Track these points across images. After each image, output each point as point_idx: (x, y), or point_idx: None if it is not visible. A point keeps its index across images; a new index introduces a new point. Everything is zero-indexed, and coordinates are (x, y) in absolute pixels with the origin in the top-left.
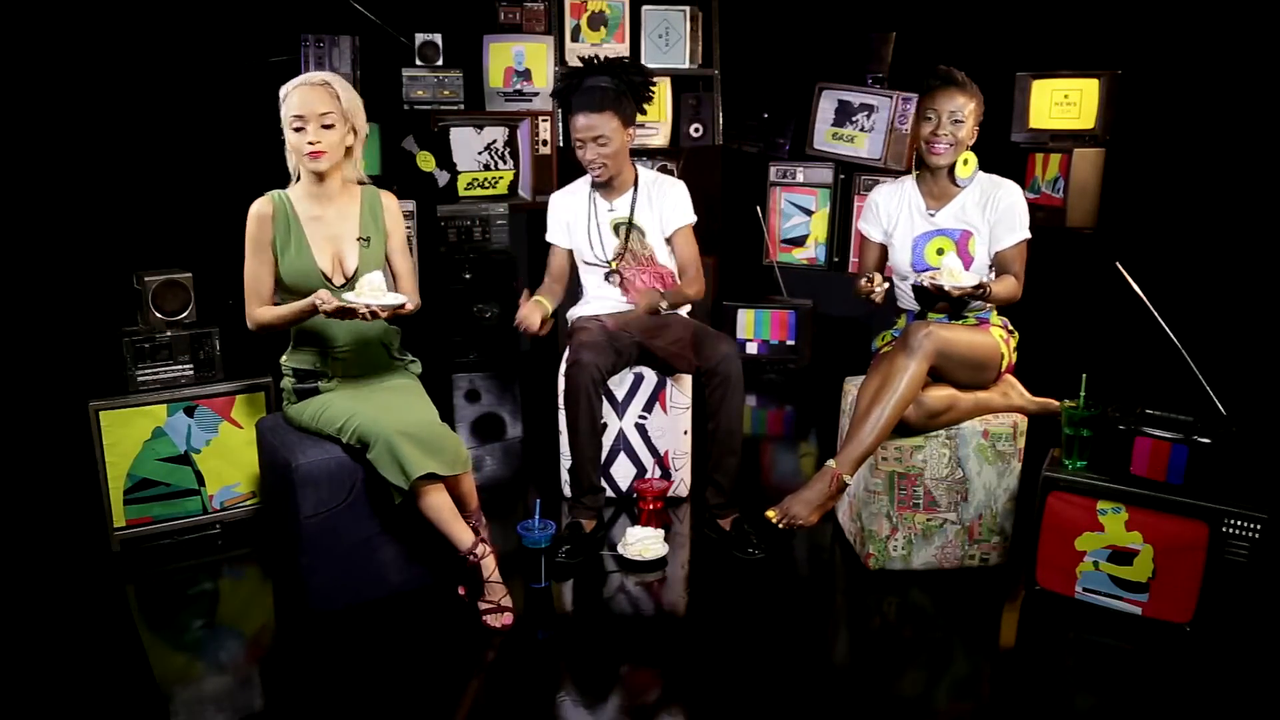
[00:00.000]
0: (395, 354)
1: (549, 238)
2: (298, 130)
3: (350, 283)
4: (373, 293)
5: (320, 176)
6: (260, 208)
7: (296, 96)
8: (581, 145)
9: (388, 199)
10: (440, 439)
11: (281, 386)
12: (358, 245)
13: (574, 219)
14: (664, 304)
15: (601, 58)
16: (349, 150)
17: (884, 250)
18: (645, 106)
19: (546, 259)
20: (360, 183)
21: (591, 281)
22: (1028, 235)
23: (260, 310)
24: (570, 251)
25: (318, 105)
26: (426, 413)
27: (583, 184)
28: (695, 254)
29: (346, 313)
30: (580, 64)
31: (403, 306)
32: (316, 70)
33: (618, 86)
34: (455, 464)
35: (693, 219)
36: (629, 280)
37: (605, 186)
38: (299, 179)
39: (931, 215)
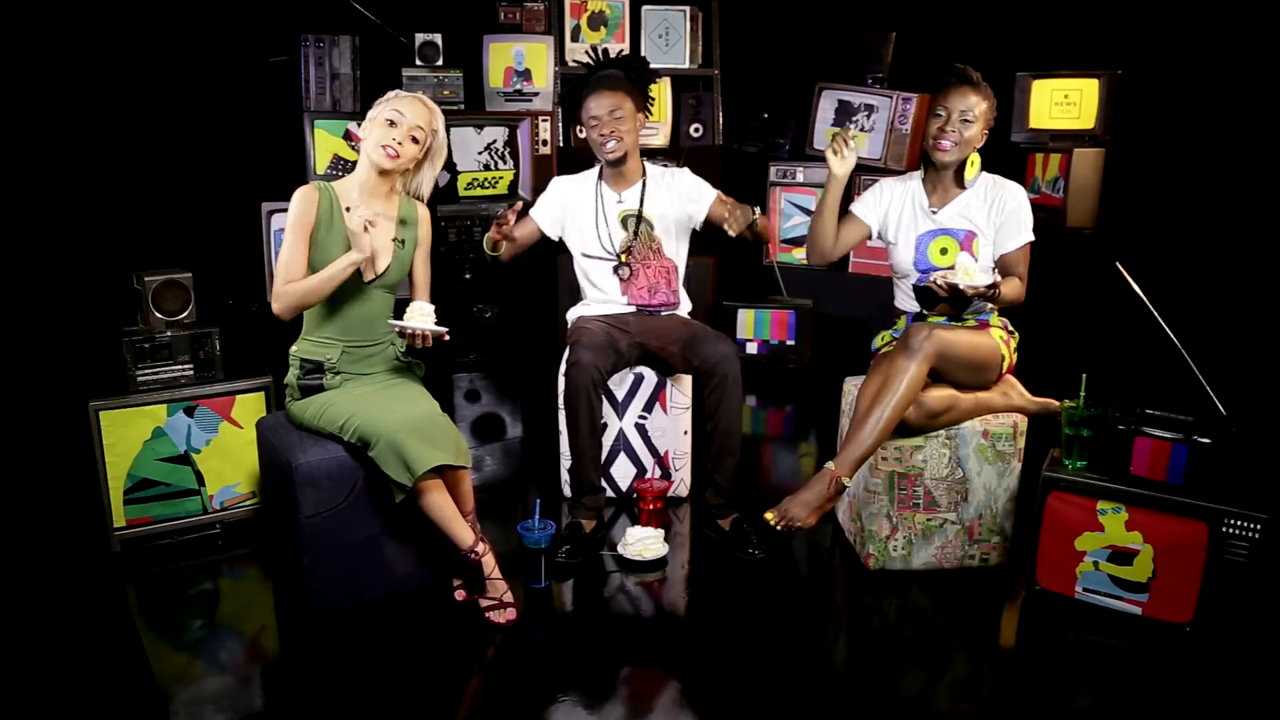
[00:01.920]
0: (401, 357)
1: (534, 212)
2: (388, 124)
3: (378, 280)
4: (423, 318)
5: (381, 175)
6: (307, 193)
7: (405, 102)
8: (597, 123)
9: (422, 209)
10: (443, 430)
11: (285, 382)
12: (392, 245)
13: (578, 210)
14: (757, 219)
15: (605, 50)
16: (416, 170)
17: (861, 233)
18: (649, 104)
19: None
20: (417, 197)
21: (594, 276)
22: (1032, 238)
23: (290, 285)
24: (540, 237)
25: (418, 118)
26: (428, 406)
27: (589, 177)
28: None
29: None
30: (587, 59)
31: (444, 336)
32: (316, 69)
33: (628, 76)
34: (459, 455)
35: (715, 190)
36: (635, 273)
37: (615, 177)
38: (347, 173)
39: (934, 213)
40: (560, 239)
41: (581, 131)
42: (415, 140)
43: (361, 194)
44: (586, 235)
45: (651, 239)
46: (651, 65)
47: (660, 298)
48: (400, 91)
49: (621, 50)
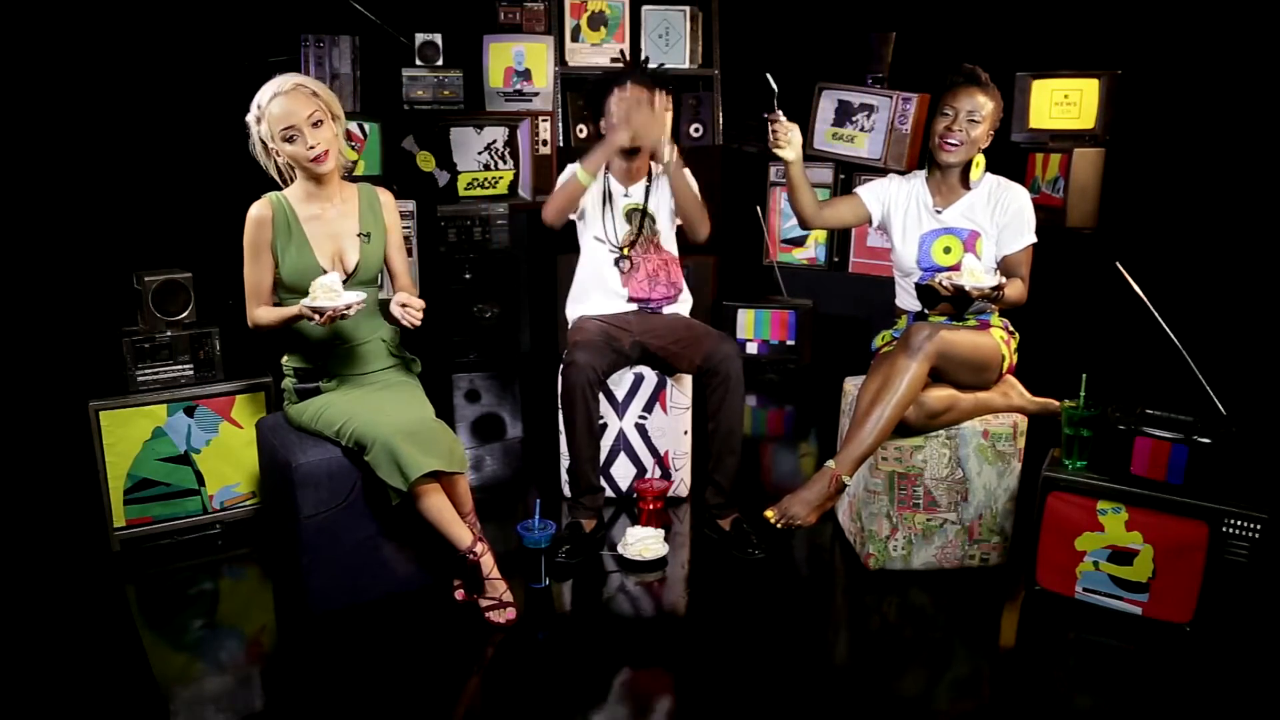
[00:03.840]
0: (394, 351)
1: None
2: (291, 140)
3: (351, 279)
4: (328, 295)
5: (321, 180)
6: (259, 211)
7: (277, 108)
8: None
9: (385, 195)
10: (436, 435)
11: (282, 387)
12: (358, 241)
13: (589, 196)
14: (670, 157)
15: (645, 59)
16: None
17: (857, 212)
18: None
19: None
20: (347, 175)
21: (595, 259)
22: (1034, 240)
23: (260, 311)
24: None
25: (302, 109)
26: (423, 410)
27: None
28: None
29: (339, 318)
30: (623, 59)
31: (360, 303)
32: (316, 69)
33: (665, 86)
34: (453, 461)
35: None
36: (636, 265)
37: (623, 171)
38: (292, 181)
39: (939, 213)
40: (577, 218)
41: (582, 131)
42: (319, 123)
43: (314, 201)
44: (595, 222)
45: (654, 233)
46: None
47: (660, 290)
48: (257, 101)
49: (661, 65)
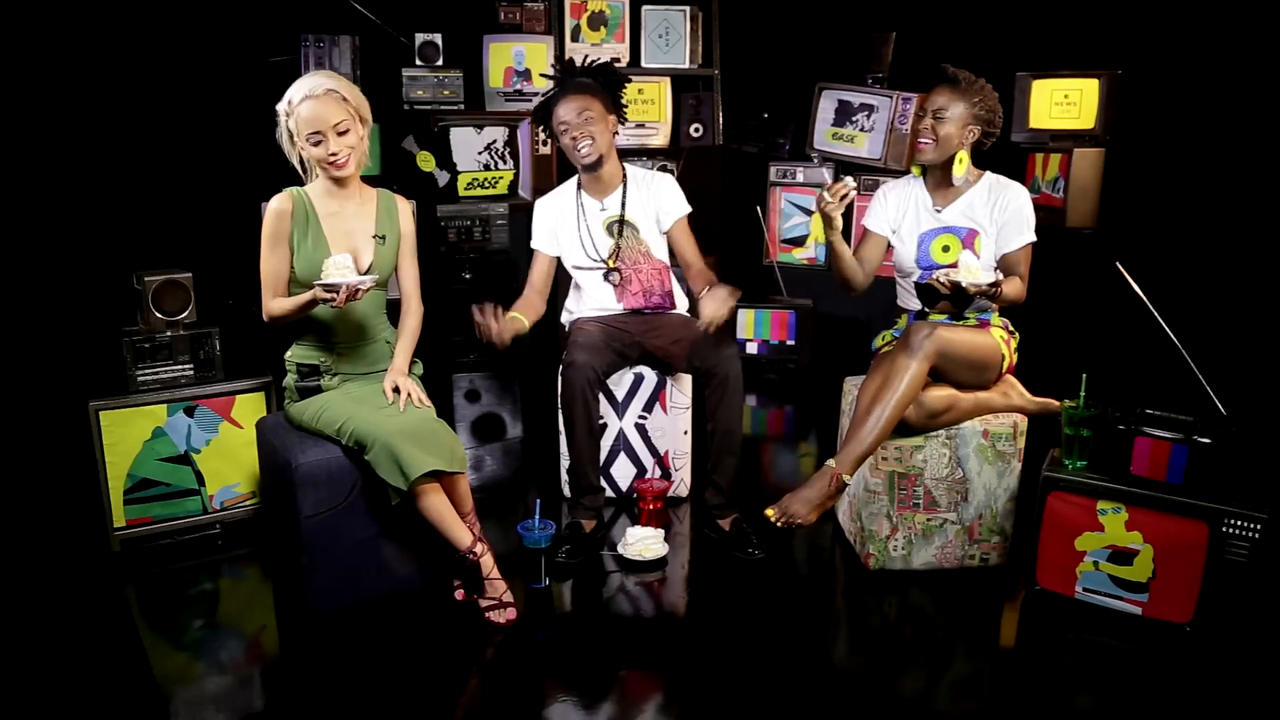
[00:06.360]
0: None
1: (534, 244)
2: (316, 144)
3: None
4: (339, 271)
5: (340, 181)
6: (280, 204)
7: (307, 110)
8: (567, 128)
9: (403, 203)
10: (437, 435)
11: (284, 385)
12: (373, 243)
13: (562, 222)
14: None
15: (570, 60)
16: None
17: (882, 245)
18: (625, 109)
19: (529, 269)
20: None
21: (588, 286)
22: (1034, 238)
23: (275, 302)
24: (555, 260)
25: (331, 115)
26: (424, 410)
27: (568, 188)
28: (695, 246)
29: (352, 296)
30: (554, 73)
31: (370, 285)
32: (316, 71)
33: (597, 80)
34: (453, 460)
35: (688, 209)
36: (627, 278)
37: (594, 184)
38: (313, 175)
39: (938, 212)
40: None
41: (545, 147)
42: (345, 131)
43: (334, 199)
44: (573, 247)
45: (639, 242)
46: (648, 65)
47: (655, 300)
48: (289, 96)
49: (590, 59)
